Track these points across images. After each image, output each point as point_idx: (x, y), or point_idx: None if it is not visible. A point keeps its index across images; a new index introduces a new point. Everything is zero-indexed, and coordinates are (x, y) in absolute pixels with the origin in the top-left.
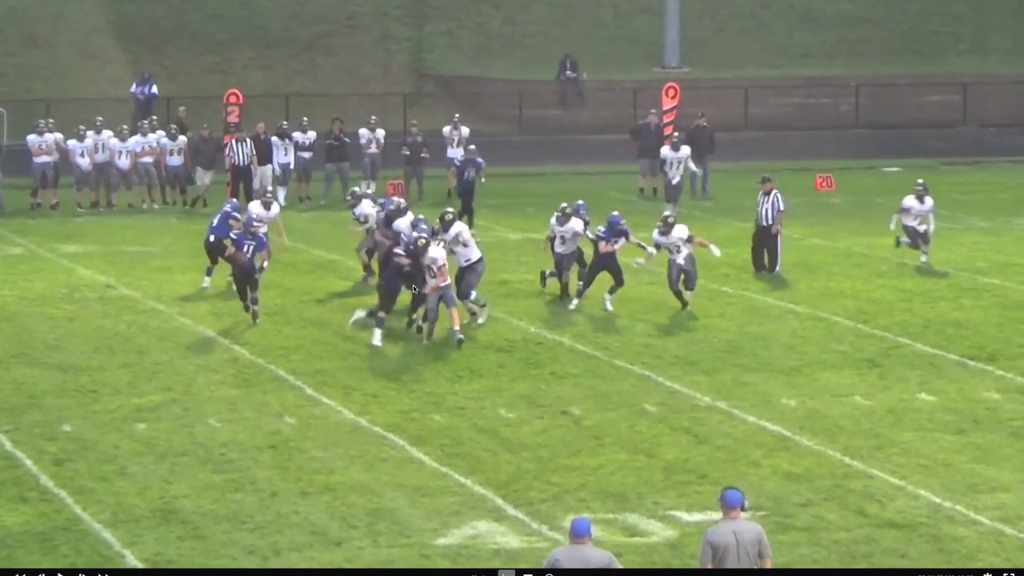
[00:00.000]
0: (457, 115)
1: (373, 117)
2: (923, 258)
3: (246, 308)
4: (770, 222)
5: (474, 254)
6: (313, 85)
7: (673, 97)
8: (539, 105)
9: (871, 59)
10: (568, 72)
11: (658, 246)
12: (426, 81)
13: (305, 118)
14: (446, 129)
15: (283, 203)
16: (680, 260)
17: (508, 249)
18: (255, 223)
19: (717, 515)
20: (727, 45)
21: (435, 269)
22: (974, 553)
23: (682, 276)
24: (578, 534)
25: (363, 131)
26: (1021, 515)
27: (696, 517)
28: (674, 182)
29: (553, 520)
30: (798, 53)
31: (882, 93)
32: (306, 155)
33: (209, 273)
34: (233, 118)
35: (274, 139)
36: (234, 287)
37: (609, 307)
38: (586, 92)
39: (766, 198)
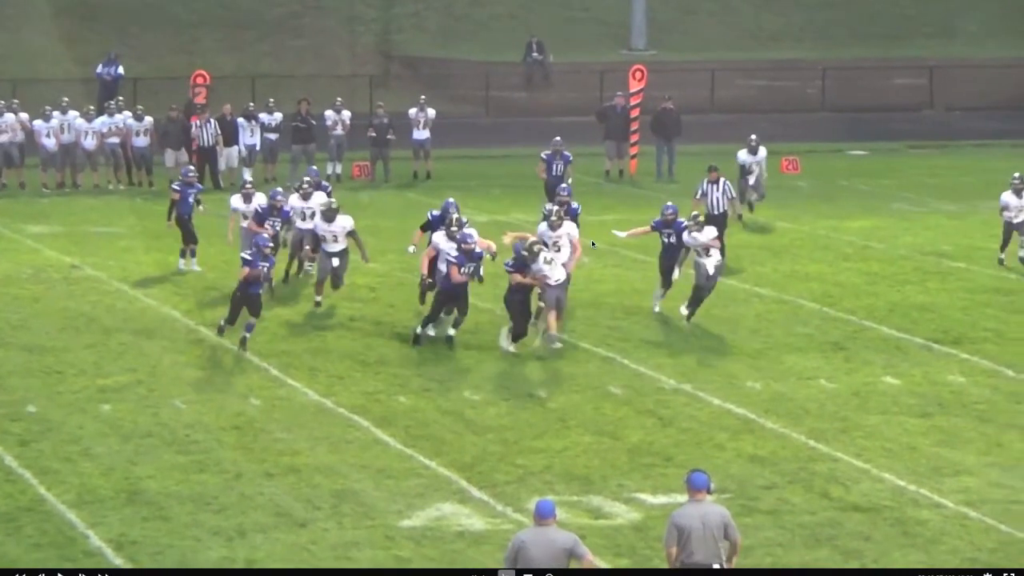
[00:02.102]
0: (423, 97)
1: (339, 99)
2: (1021, 252)
3: (220, 331)
4: (721, 211)
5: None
6: (280, 66)
7: (640, 80)
8: (505, 87)
9: (838, 42)
10: (534, 54)
11: (687, 247)
12: (393, 63)
13: (271, 99)
14: (412, 111)
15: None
16: (711, 268)
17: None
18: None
19: (681, 498)
20: (694, 27)
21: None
22: (938, 536)
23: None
24: (542, 516)
25: (329, 113)
26: (985, 499)
27: (661, 500)
28: (751, 183)
29: (518, 502)
30: (765, 36)
31: (849, 76)
32: (272, 136)
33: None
34: (200, 99)
35: (240, 120)
36: (227, 311)
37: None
38: (552, 74)
39: (714, 187)
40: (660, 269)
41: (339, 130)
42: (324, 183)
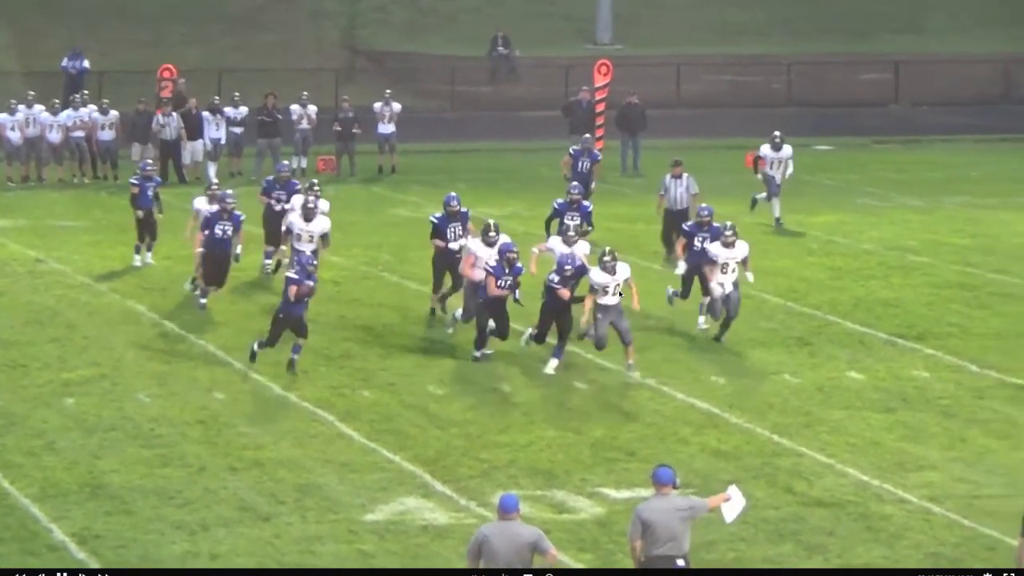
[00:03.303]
0: (389, 91)
1: (305, 93)
2: None
3: (252, 356)
4: (683, 206)
5: None
6: (246, 60)
7: (605, 74)
8: (471, 81)
9: (804, 37)
10: (500, 48)
11: (714, 261)
12: (358, 57)
13: (237, 93)
14: (377, 105)
15: (214, 179)
16: (728, 286)
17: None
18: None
19: (645, 492)
20: (660, 22)
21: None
22: (902, 531)
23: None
24: (506, 510)
25: (295, 107)
26: (949, 493)
27: (624, 494)
28: (777, 181)
29: (481, 496)
30: (731, 31)
31: (815, 71)
32: (237, 130)
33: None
34: (166, 93)
35: (205, 114)
36: (266, 332)
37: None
38: (518, 68)
39: (677, 182)
40: (684, 278)
41: (305, 124)
42: (294, 181)
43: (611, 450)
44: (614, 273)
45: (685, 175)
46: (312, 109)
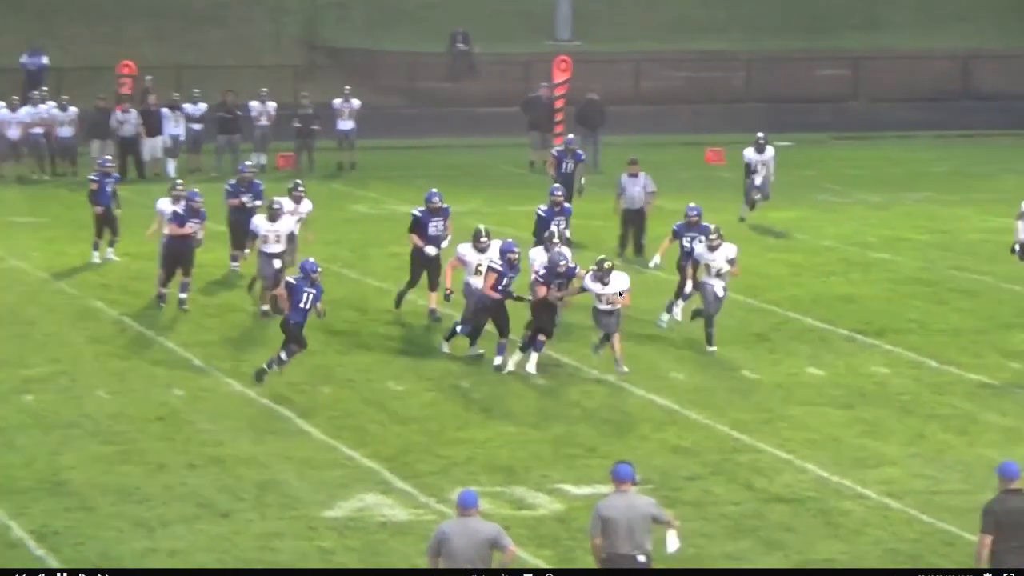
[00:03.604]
0: (348, 87)
1: (264, 89)
2: None
3: (263, 373)
4: (641, 205)
5: None
6: (205, 57)
7: (564, 70)
8: (430, 77)
9: (763, 33)
10: (459, 44)
11: (698, 262)
12: (318, 53)
13: (197, 90)
14: (337, 101)
15: (173, 174)
16: (719, 289)
17: (399, 222)
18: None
19: (604, 488)
20: (619, 18)
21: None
22: (861, 527)
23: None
24: (466, 507)
25: (254, 103)
26: (908, 489)
27: (584, 490)
28: (757, 183)
29: (441, 493)
30: (690, 27)
31: (773, 67)
32: (197, 127)
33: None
34: (126, 90)
35: (165, 111)
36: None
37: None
38: (477, 65)
39: (633, 180)
40: (681, 280)
41: (264, 121)
42: (257, 181)
43: (570, 446)
44: (606, 284)
45: (642, 174)
46: (271, 105)
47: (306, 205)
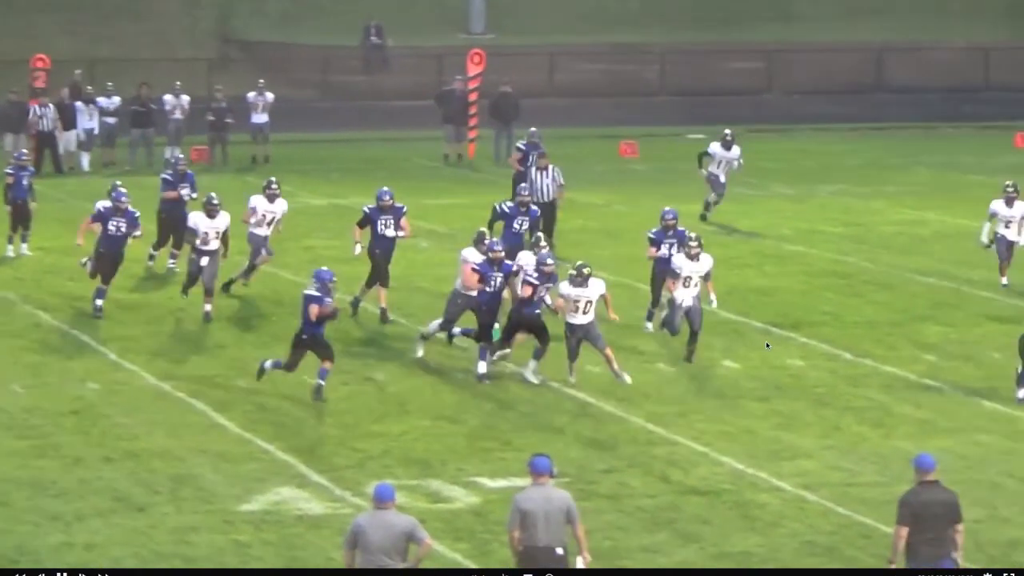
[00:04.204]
0: (262, 81)
1: (178, 83)
2: (1004, 280)
3: (261, 373)
4: (550, 198)
5: None
6: (119, 50)
7: (478, 63)
8: (344, 71)
9: (677, 26)
10: (373, 38)
11: (676, 274)
12: (232, 47)
13: (110, 83)
14: (250, 95)
15: (87, 168)
16: (688, 301)
17: (313, 215)
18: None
19: (520, 481)
20: (533, 11)
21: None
22: (777, 519)
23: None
24: (381, 500)
25: (168, 97)
26: (823, 482)
27: (500, 483)
28: (723, 180)
29: (357, 486)
30: (604, 19)
31: (687, 60)
32: (111, 120)
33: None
34: (40, 83)
35: (79, 104)
36: (287, 354)
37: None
38: (391, 58)
39: (543, 173)
40: (653, 284)
41: (178, 114)
42: (190, 172)
43: (486, 439)
44: (585, 287)
45: (551, 166)
46: (185, 99)
47: (281, 204)
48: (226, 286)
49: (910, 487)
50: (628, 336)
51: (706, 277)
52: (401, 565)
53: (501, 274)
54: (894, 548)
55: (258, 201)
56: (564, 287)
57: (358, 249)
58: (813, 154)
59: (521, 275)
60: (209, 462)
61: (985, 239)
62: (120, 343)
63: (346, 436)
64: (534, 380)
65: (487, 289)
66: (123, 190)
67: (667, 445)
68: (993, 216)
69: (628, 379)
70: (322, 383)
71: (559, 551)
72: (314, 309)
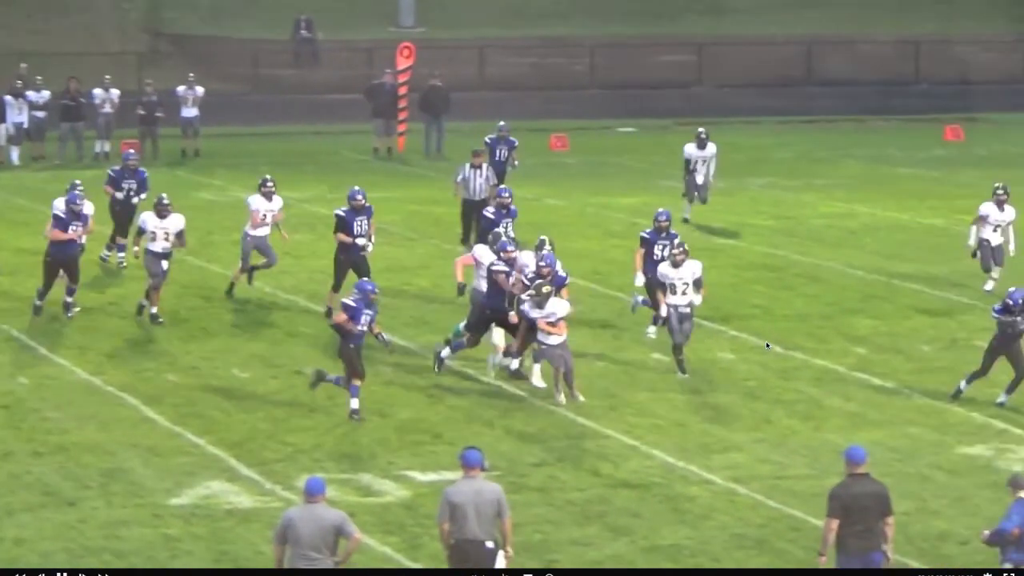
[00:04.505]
0: (192, 75)
1: (108, 77)
2: (989, 284)
3: (315, 384)
4: (482, 196)
5: None
6: (48, 44)
7: (408, 57)
8: (274, 65)
9: (607, 19)
10: (303, 31)
11: (662, 283)
12: (161, 40)
13: (39, 77)
14: (181, 88)
15: (17, 162)
16: (684, 309)
17: (243, 209)
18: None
19: (451, 475)
20: (463, 5)
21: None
22: (708, 512)
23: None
24: (311, 493)
25: (97, 91)
26: (754, 474)
27: (430, 477)
28: (699, 181)
29: (287, 480)
30: (533, 13)
31: (617, 53)
32: (40, 115)
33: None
34: None
35: (7, 98)
36: (339, 374)
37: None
38: (321, 52)
39: (477, 172)
40: (649, 289)
41: (108, 108)
42: (141, 170)
43: (417, 433)
44: (542, 308)
45: (485, 165)
46: (115, 93)
47: (277, 201)
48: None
49: (840, 480)
50: None
51: (697, 284)
52: (330, 560)
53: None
54: (824, 541)
55: (258, 202)
56: (527, 308)
57: (362, 242)
58: (743, 147)
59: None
60: (139, 456)
61: (972, 243)
62: (50, 337)
63: (276, 430)
64: (512, 366)
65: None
66: (78, 192)
67: (597, 439)
68: (983, 219)
69: (582, 398)
70: (354, 403)
71: (489, 544)
72: (339, 317)
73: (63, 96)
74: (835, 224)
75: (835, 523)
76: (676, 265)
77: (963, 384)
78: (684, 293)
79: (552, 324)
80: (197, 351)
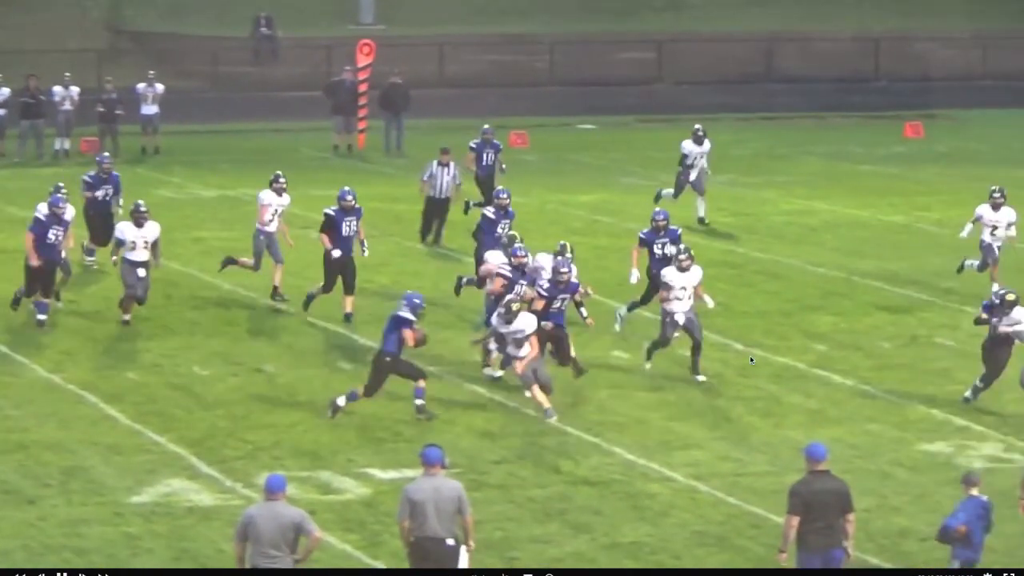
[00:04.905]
0: (152, 72)
1: (68, 74)
2: (995, 286)
3: (350, 399)
4: (447, 195)
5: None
6: (7, 41)
7: (368, 54)
8: (234, 62)
9: (567, 16)
10: (263, 29)
11: (669, 287)
12: (121, 38)
13: None
14: (140, 86)
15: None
16: (680, 316)
17: (203, 206)
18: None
19: (411, 472)
20: (422, 2)
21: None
22: (668, 509)
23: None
24: (272, 491)
25: (57, 88)
26: (714, 471)
27: (390, 475)
28: (692, 177)
29: (247, 478)
30: (494, 10)
31: (577, 50)
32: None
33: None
34: None
35: None
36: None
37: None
38: (281, 49)
39: (444, 170)
40: (650, 288)
41: (67, 105)
42: (115, 173)
43: (377, 430)
44: (509, 323)
45: (452, 163)
46: (75, 90)
47: (286, 198)
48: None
49: (800, 476)
50: None
51: (697, 287)
52: (290, 558)
53: (525, 281)
54: (784, 537)
55: (268, 196)
56: (495, 322)
57: (337, 253)
58: None
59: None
60: (100, 454)
61: (965, 234)
62: (10, 336)
63: (236, 428)
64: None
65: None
66: (60, 195)
67: (558, 436)
68: (978, 220)
69: (554, 417)
70: (421, 402)
71: (450, 542)
72: (409, 334)
73: (23, 93)
74: (795, 221)
75: (796, 520)
76: (682, 271)
77: (969, 393)
78: (688, 298)
79: (520, 343)
80: (157, 349)
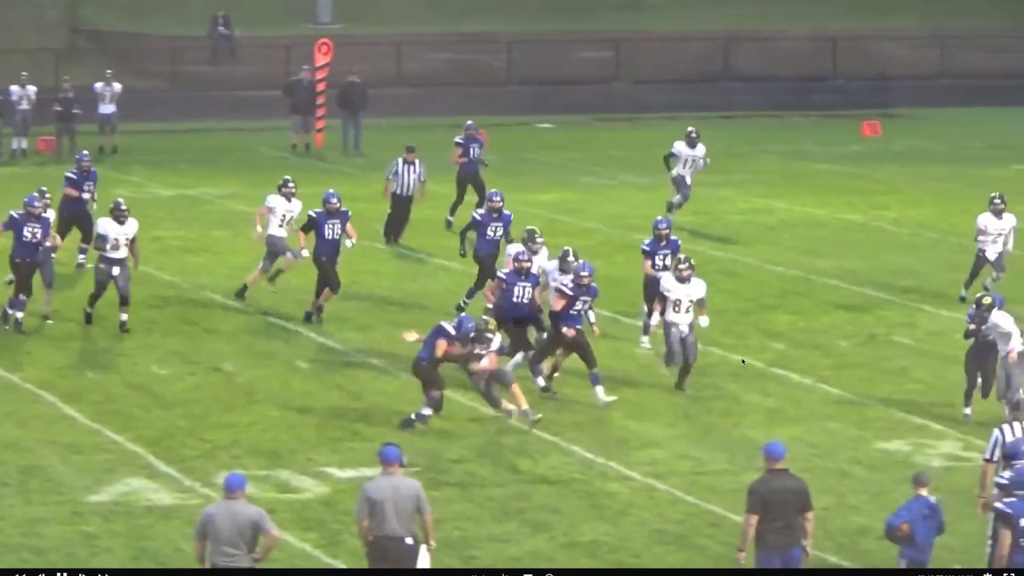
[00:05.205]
0: (110, 71)
1: (24, 73)
2: (988, 281)
3: (419, 417)
4: (409, 193)
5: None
6: None
7: (326, 53)
8: (192, 61)
9: (524, 15)
10: (221, 28)
11: (665, 296)
12: (79, 36)
13: None
14: (98, 85)
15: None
16: (684, 328)
17: (161, 205)
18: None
19: (370, 471)
20: (381, 1)
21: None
22: (626, 508)
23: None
24: (231, 490)
25: (14, 87)
26: (673, 470)
27: (349, 473)
28: (688, 181)
29: (206, 476)
30: (452, 9)
31: (535, 49)
32: None
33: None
34: None
35: None
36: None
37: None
38: (239, 48)
39: (410, 168)
40: (646, 297)
41: (24, 104)
42: (94, 171)
43: (335, 429)
44: (485, 343)
45: (417, 161)
46: (32, 89)
47: (297, 204)
48: (240, 292)
49: (759, 475)
50: None
51: (699, 304)
52: (248, 557)
53: (529, 284)
54: (743, 536)
55: (277, 201)
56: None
57: (305, 253)
58: (662, 143)
59: (552, 286)
60: (58, 453)
61: (990, 253)
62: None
63: (194, 427)
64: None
65: (513, 301)
66: (36, 194)
67: (517, 434)
68: (982, 231)
69: (532, 423)
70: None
71: (408, 541)
72: (442, 344)
73: None
74: (753, 220)
75: (754, 519)
76: (682, 281)
77: (967, 410)
78: (688, 311)
79: (479, 358)
80: (116, 348)
